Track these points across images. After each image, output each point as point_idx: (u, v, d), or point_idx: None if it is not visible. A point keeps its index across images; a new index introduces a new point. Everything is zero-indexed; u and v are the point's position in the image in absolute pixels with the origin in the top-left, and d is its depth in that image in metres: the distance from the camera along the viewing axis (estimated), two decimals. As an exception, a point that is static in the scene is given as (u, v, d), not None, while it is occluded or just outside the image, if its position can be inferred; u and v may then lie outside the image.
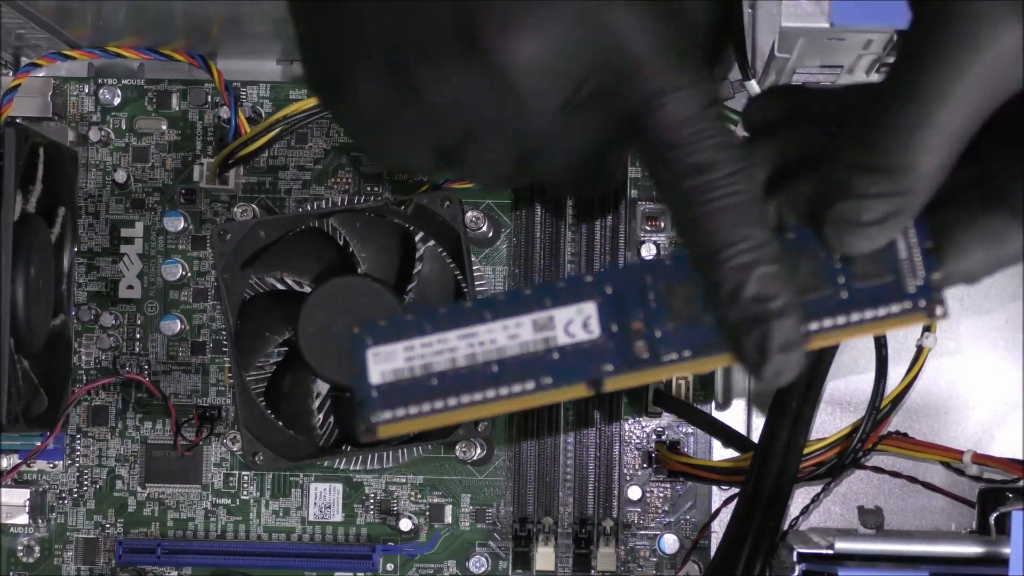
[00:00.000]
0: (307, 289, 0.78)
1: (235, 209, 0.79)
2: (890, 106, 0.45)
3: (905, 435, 0.80)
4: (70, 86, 0.85)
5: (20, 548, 0.84)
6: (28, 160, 0.77)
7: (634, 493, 0.82)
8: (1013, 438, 0.81)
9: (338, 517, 0.83)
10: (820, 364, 0.74)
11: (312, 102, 0.81)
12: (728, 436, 0.80)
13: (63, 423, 0.83)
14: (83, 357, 0.84)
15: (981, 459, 0.77)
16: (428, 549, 0.83)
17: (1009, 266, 0.48)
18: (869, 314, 0.48)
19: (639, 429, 0.83)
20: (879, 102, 0.46)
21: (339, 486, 0.83)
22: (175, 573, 0.83)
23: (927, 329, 0.77)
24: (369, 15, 0.48)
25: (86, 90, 0.85)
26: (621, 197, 0.81)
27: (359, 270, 0.79)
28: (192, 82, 0.85)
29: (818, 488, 0.79)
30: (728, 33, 0.54)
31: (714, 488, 0.81)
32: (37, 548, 0.84)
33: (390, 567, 0.83)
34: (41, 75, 0.85)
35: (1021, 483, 0.76)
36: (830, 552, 0.66)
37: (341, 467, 0.82)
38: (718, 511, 0.81)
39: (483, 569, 0.82)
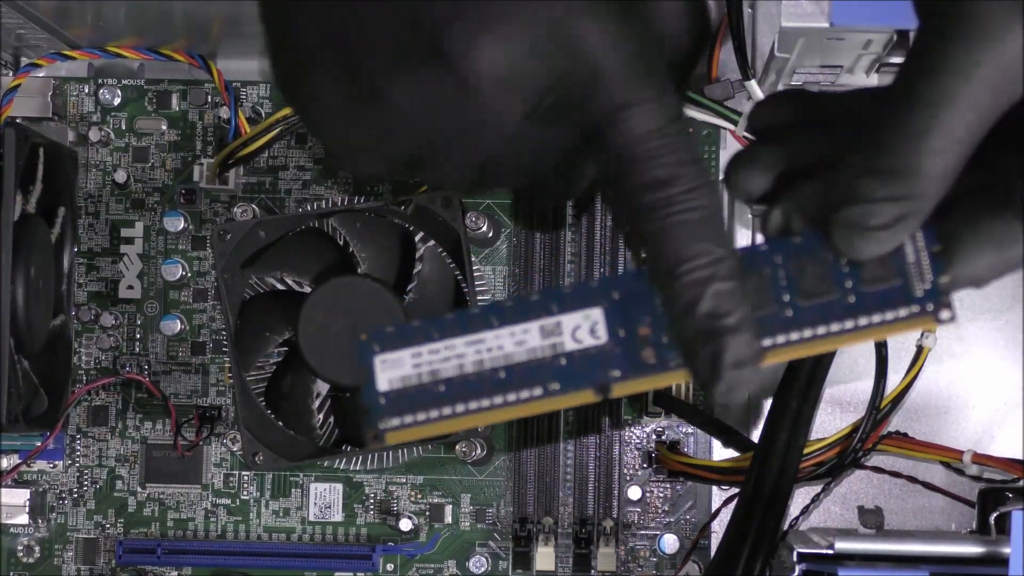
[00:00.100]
0: (307, 289, 0.78)
1: (235, 209, 0.79)
2: (898, 109, 0.45)
3: (905, 435, 0.80)
4: (70, 86, 0.85)
5: (20, 548, 0.84)
6: (28, 160, 0.77)
7: (634, 493, 0.82)
8: (1013, 438, 0.81)
9: (338, 517, 0.83)
10: (820, 364, 0.74)
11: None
12: (728, 436, 0.80)
13: (63, 423, 0.83)
14: (83, 357, 0.84)
15: (981, 459, 0.77)
16: (428, 549, 0.83)
17: (1016, 270, 0.48)
18: (877, 318, 0.48)
19: (639, 429, 0.83)
20: (887, 105, 0.45)
21: (339, 486, 0.83)
22: (175, 573, 0.83)
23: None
24: (333, 17, 0.48)
25: (86, 90, 0.85)
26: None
27: (359, 270, 0.79)
28: (192, 82, 0.84)
29: (818, 488, 0.79)
30: (704, 44, 0.53)
31: (714, 488, 0.81)
32: (37, 548, 0.84)
33: (390, 567, 0.83)
34: (41, 75, 0.84)
35: (1021, 483, 0.76)
36: (830, 552, 0.66)
37: (341, 467, 0.82)
38: (718, 511, 0.81)
39: (483, 569, 0.82)
